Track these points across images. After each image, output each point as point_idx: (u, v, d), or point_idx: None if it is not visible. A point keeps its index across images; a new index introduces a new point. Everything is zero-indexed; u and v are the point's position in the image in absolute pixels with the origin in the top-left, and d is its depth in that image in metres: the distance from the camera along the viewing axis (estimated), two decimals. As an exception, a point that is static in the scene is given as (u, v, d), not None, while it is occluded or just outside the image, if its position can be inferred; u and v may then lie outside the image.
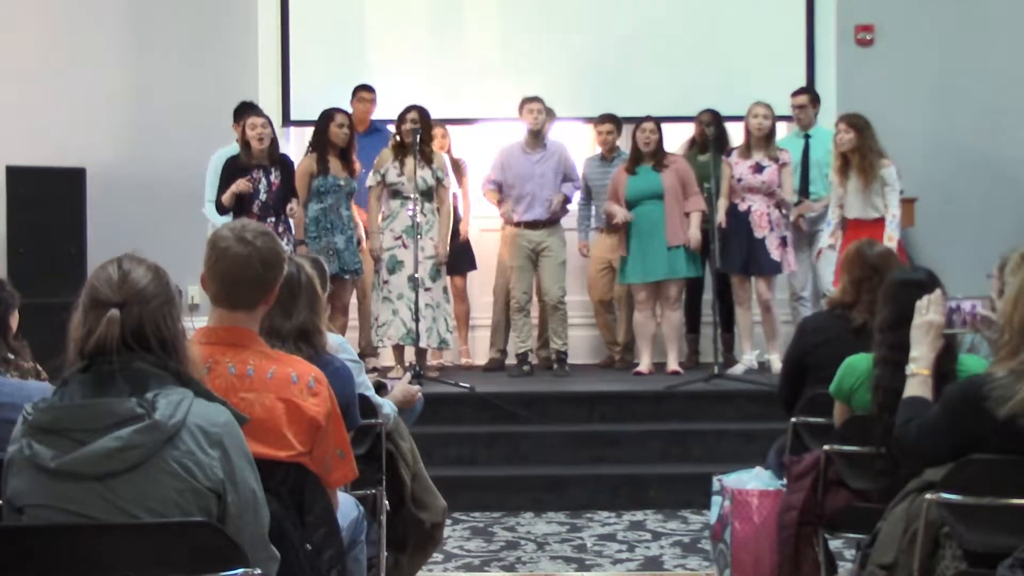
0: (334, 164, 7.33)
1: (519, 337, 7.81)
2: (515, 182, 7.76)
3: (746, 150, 7.58)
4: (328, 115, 7.38)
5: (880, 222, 7.06)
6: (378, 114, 8.19)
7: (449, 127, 8.17)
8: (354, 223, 7.48)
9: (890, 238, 6.89)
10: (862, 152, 7.06)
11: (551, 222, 7.79)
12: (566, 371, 7.73)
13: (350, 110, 7.76)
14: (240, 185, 6.98)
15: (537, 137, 7.81)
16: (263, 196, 7.06)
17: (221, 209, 7.08)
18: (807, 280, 7.81)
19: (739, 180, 7.51)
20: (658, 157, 7.60)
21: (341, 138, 7.32)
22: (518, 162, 7.78)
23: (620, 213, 7.53)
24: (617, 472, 6.53)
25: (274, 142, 7.20)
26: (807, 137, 7.92)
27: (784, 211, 7.55)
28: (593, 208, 8.17)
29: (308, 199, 7.28)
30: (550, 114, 8.06)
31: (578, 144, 8.58)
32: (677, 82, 8.58)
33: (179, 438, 2.29)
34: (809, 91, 8.13)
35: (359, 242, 7.54)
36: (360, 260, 7.47)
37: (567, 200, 7.86)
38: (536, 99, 7.78)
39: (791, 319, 7.76)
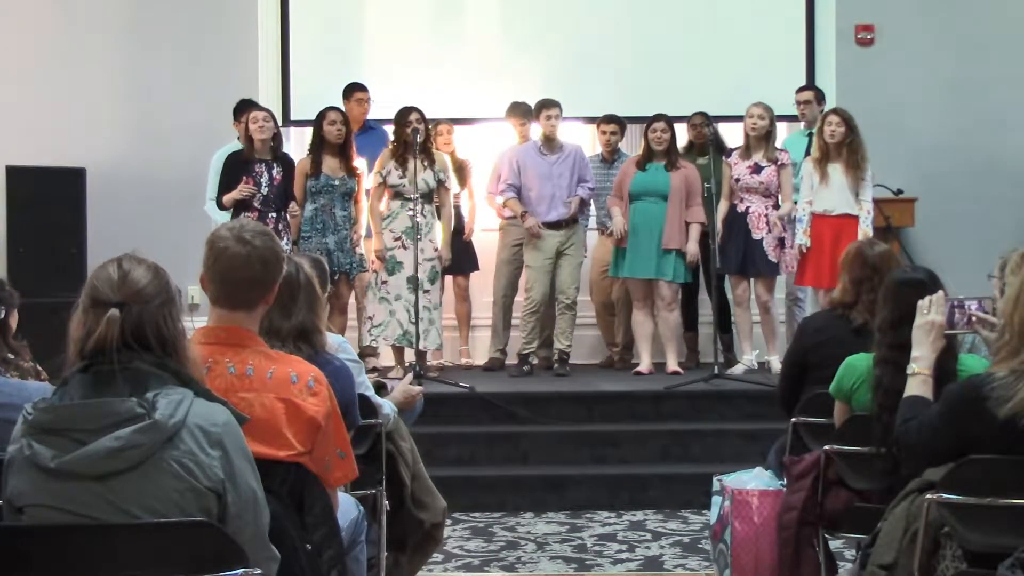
0: (330, 163, 7.31)
1: (526, 339, 7.80)
2: (532, 184, 7.75)
3: (745, 151, 7.58)
4: (321, 114, 7.39)
5: (851, 219, 7.09)
6: (377, 114, 8.18)
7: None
8: (351, 223, 7.46)
9: (865, 233, 6.94)
10: (852, 147, 7.11)
11: (572, 222, 7.79)
12: (566, 371, 7.73)
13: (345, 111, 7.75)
14: (243, 191, 6.97)
15: (553, 141, 7.81)
16: (264, 190, 7.06)
17: (223, 207, 7.09)
18: None
19: (737, 180, 7.51)
20: (670, 157, 7.61)
21: (335, 135, 7.30)
22: (535, 164, 7.77)
23: (618, 224, 7.55)
24: (617, 472, 6.53)
25: (277, 137, 7.22)
26: (811, 136, 7.90)
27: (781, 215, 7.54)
28: (593, 209, 8.18)
29: (303, 199, 7.29)
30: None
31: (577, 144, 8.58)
32: (677, 82, 8.58)
33: (179, 438, 2.28)
34: (813, 87, 8.13)
35: (356, 242, 7.53)
36: (355, 260, 7.45)
37: (583, 202, 7.87)
38: (554, 104, 7.77)
39: (786, 320, 7.74)
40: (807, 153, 7.71)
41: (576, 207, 7.77)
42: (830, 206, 7.20)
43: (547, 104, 7.79)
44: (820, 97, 8.01)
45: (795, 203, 7.47)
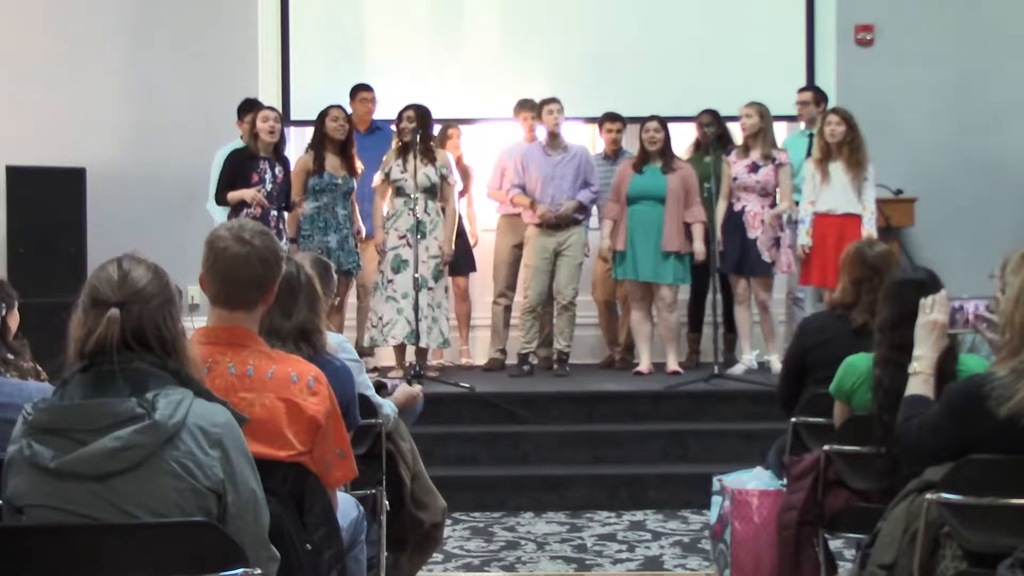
0: (332, 162, 7.31)
1: (525, 337, 7.80)
2: (535, 184, 7.75)
3: (744, 150, 7.58)
4: (323, 112, 7.39)
5: (854, 218, 7.08)
6: (379, 114, 8.19)
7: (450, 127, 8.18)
8: (351, 222, 7.46)
9: (868, 234, 6.94)
10: (854, 146, 7.11)
11: (574, 223, 7.78)
12: (566, 371, 7.73)
13: (350, 111, 7.74)
14: (254, 198, 6.93)
15: (557, 138, 7.81)
16: (268, 186, 7.04)
17: (221, 201, 7.06)
18: None
19: (735, 179, 7.51)
20: (666, 158, 7.61)
21: (338, 132, 7.30)
22: (539, 163, 7.77)
23: (603, 246, 7.66)
24: (617, 472, 6.53)
25: (281, 137, 7.21)
26: (811, 136, 7.90)
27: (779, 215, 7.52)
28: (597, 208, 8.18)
29: (304, 197, 7.28)
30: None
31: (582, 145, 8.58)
32: (677, 82, 8.59)
33: (179, 438, 2.28)
34: (814, 89, 8.12)
35: (357, 241, 7.53)
36: (355, 259, 7.45)
37: (581, 207, 7.80)
38: (554, 100, 7.77)
39: (786, 319, 7.74)
40: (808, 153, 7.71)
41: (570, 209, 7.74)
42: (833, 206, 7.19)
43: (547, 100, 7.81)
44: (819, 98, 8.00)
45: (796, 203, 7.48)
